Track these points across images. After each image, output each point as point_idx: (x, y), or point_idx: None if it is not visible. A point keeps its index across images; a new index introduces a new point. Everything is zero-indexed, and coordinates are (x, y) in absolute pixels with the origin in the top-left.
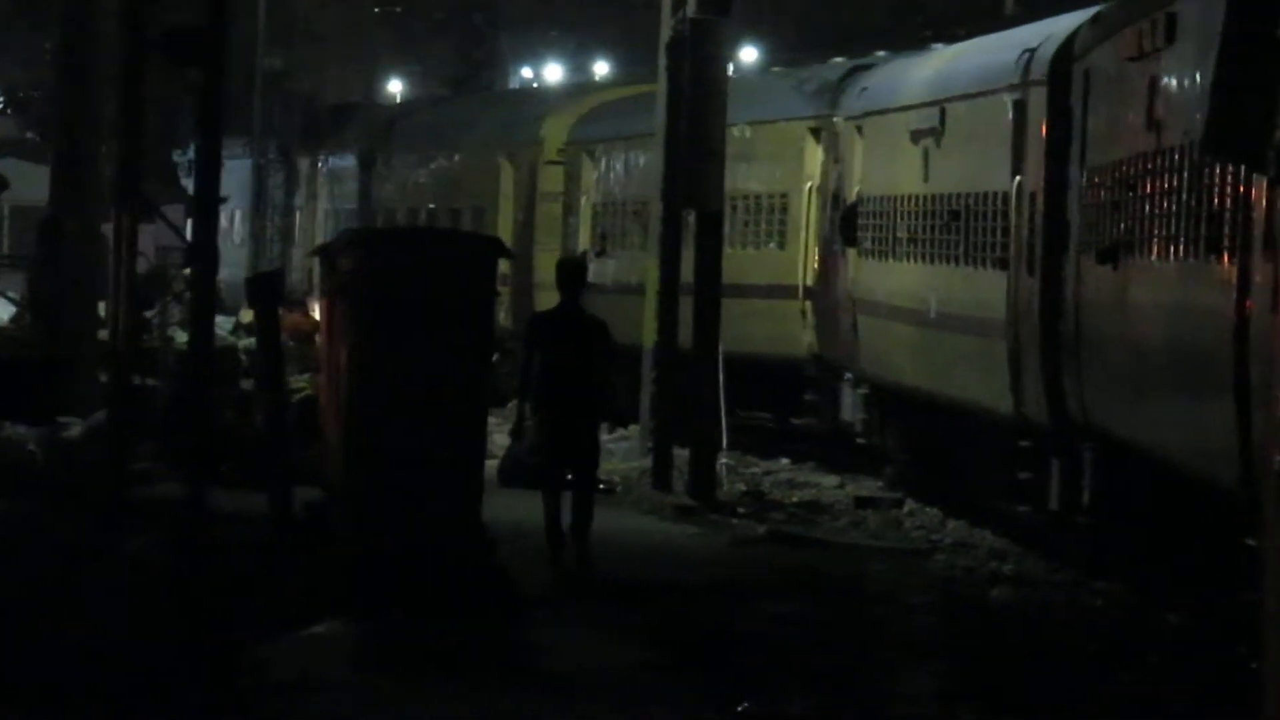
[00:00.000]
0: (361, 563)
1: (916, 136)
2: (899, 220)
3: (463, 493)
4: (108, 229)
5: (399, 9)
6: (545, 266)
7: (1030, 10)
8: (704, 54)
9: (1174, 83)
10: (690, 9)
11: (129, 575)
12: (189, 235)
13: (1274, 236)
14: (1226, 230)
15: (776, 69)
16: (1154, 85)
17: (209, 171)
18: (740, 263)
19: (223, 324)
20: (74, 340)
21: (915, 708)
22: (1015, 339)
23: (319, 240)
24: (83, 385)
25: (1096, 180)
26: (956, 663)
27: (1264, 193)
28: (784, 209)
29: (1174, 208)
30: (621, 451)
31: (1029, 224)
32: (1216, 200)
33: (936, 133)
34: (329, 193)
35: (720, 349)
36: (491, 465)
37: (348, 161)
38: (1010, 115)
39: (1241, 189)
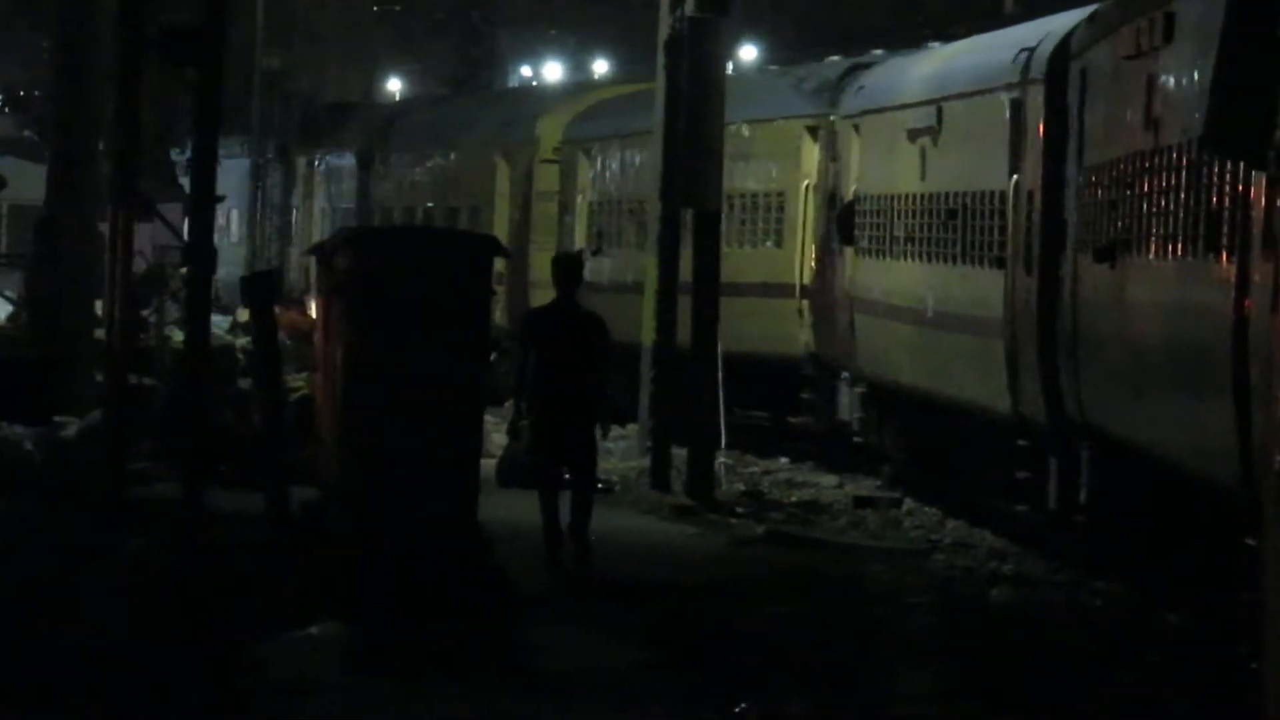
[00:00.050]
0: (358, 563)
1: (914, 135)
2: (896, 219)
3: (460, 492)
4: (105, 228)
5: (398, 8)
6: (541, 265)
7: (1030, 9)
8: (702, 52)
9: (1172, 81)
10: (689, 7)
11: (127, 575)
12: (186, 234)
13: (1273, 235)
14: (1225, 229)
15: (773, 67)
16: (1152, 84)
17: (206, 170)
18: (737, 261)
19: (220, 323)
20: (71, 339)
21: (915, 708)
22: (1013, 338)
23: (316, 239)
24: (80, 384)
25: (1094, 179)
26: (956, 663)
27: (1263, 191)
28: (781, 208)
29: (1172, 206)
30: (620, 451)
31: (1026, 223)
32: (1215, 199)
33: (934, 131)
34: (326, 192)
35: (719, 348)
36: (489, 465)
37: (345, 160)
38: (1007, 114)
39: (1240, 187)
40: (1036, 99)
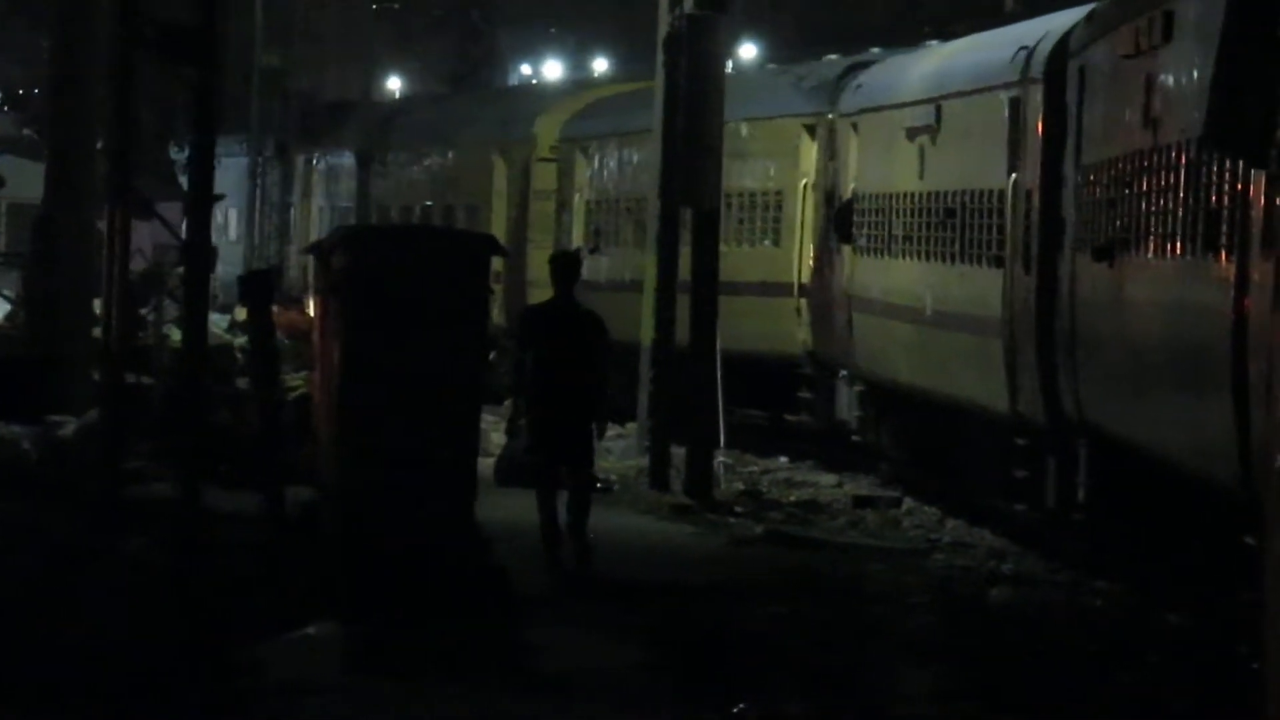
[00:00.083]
0: (355, 562)
1: (912, 134)
2: (895, 218)
3: (458, 492)
4: (103, 226)
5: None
6: (539, 264)
7: (1030, 8)
8: (701, 50)
9: (1171, 80)
10: (687, 5)
11: (125, 575)
12: (185, 233)
13: (1273, 234)
14: (1224, 228)
15: (771, 66)
16: (1151, 83)
17: (203, 169)
18: (735, 260)
19: (219, 321)
20: (69, 338)
21: (914, 708)
22: (1011, 337)
23: (315, 238)
24: (77, 384)
25: (1092, 178)
26: (956, 662)
27: (1262, 190)
28: (779, 206)
29: (1171, 205)
30: (619, 450)
31: (1025, 221)
32: (1214, 198)
33: (932, 130)
34: (325, 190)
35: (718, 347)
36: (488, 464)
37: (344, 159)
38: (1006, 113)
39: (1239, 186)
40: (1035, 98)
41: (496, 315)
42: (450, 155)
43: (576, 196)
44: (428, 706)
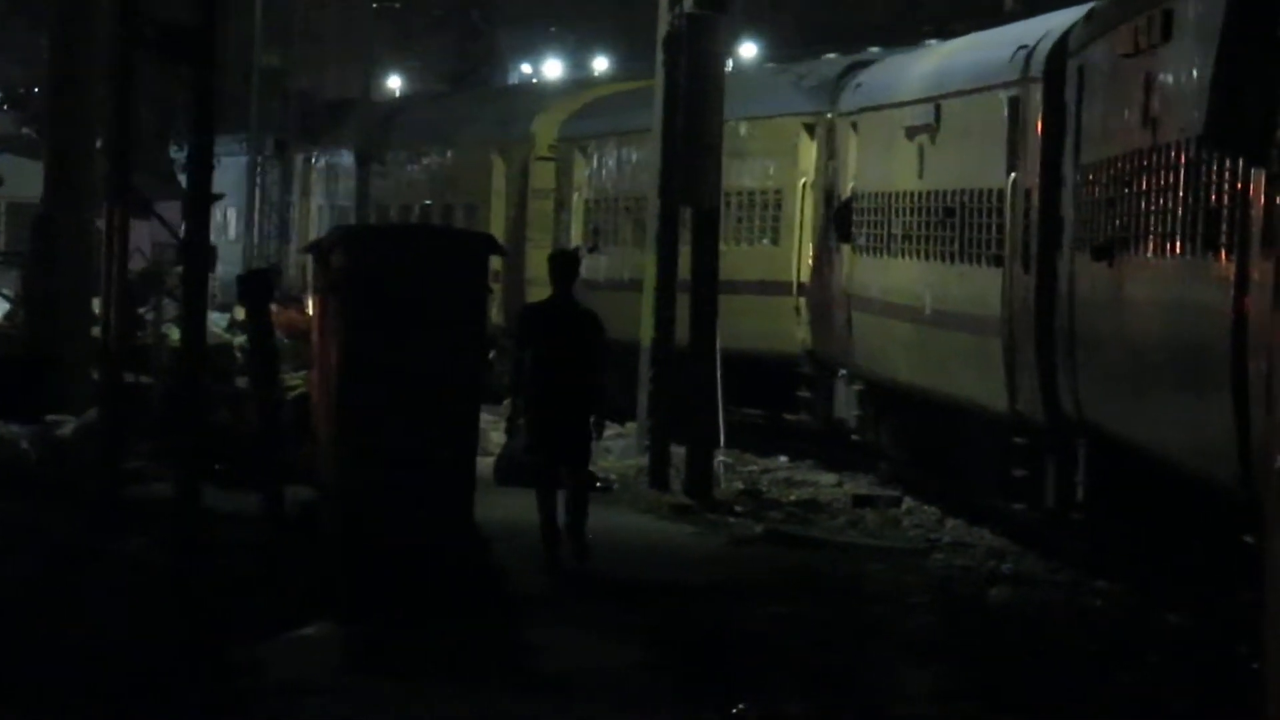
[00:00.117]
0: (354, 562)
1: (912, 133)
2: (894, 217)
3: (456, 491)
4: (102, 226)
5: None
6: (537, 263)
7: (1030, 7)
8: (701, 49)
9: (1170, 79)
10: (687, 4)
11: (124, 575)
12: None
13: (1273, 233)
14: (1224, 227)
15: (770, 65)
16: (1150, 82)
17: (202, 168)
18: (734, 259)
19: (218, 321)
20: (68, 338)
21: (914, 707)
22: (1010, 336)
23: (314, 237)
24: (77, 383)
25: (1092, 177)
26: (956, 662)
27: (1262, 188)
28: (778, 205)
29: (1170, 204)
30: (618, 449)
31: (1024, 221)
32: (1214, 197)
33: (932, 129)
34: (324, 189)
35: (718, 346)
36: (487, 463)
37: (343, 158)
38: (1006, 112)
39: (1239, 185)
40: (1035, 97)
41: (495, 314)
42: (449, 154)
43: (575, 195)
44: (428, 706)
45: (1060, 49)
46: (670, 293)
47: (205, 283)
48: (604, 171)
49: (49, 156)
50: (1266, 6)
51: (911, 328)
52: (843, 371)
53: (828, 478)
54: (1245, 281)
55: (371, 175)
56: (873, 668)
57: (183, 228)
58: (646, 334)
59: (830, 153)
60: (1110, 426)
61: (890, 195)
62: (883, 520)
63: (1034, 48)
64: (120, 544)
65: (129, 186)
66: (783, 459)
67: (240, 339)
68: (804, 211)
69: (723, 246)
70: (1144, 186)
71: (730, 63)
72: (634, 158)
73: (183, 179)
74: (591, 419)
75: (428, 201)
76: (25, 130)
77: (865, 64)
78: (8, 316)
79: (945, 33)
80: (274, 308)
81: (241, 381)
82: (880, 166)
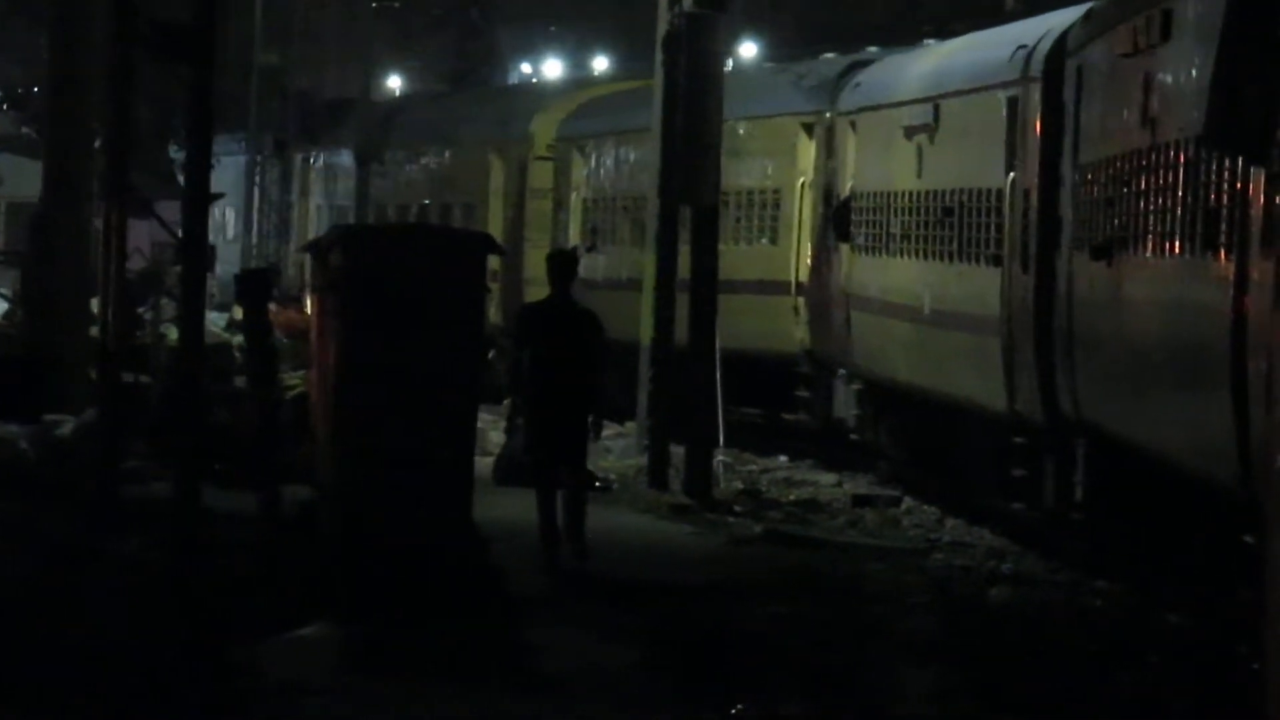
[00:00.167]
0: (352, 562)
1: (911, 132)
2: (893, 216)
3: (454, 491)
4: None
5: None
6: (536, 262)
7: (1030, 6)
8: (700, 48)
9: (1170, 79)
10: (686, 4)
11: (123, 575)
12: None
13: (1272, 232)
14: (1223, 226)
15: (769, 64)
16: (1149, 81)
17: (200, 168)
18: (733, 259)
19: (217, 320)
20: (67, 337)
21: (914, 707)
22: (1009, 335)
23: (313, 236)
24: (76, 383)
25: (1090, 177)
26: (956, 662)
27: (1262, 188)
28: (777, 205)
29: (1169, 204)
30: (618, 449)
31: (1023, 220)
32: (1213, 196)
33: (931, 129)
34: (323, 189)
35: (717, 346)
36: (487, 463)
37: (342, 158)
38: (1005, 112)
39: (1239, 185)
40: (1034, 97)
41: (494, 314)
42: (447, 154)
43: (573, 195)
44: (427, 707)
45: (1059, 49)
46: (670, 292)
47: (203, 282)
48: (602, 171)
49: (48, 156)
50: (1266, 6)
51: (910, 327)
52: (841, 371)
53: (827, 477)
54: (1244, 281)
55: (370, 175)
56: (872, 668)
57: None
58: (646, 333)
59: (829, 152)
60: (1109, 426)
61: (889, 195)
62: (882, 520)
63: (1033, 48)
64: (119, 544)
65: (127, 186)
66: (782, 459)
67: (239, 338)
68: (802, 211)
69: (721, 246)
70: (1143, 186)
71: (730, 62)
72: (632, 157)
73: (182, 178)
74: (590, 419)
75: (426, 201)
76: (25, 130)
77: (865, 64)
78: (6, 316)
79: (945, 32)
80: (273, 307)
81: (240, 381)
82: (879, 166)
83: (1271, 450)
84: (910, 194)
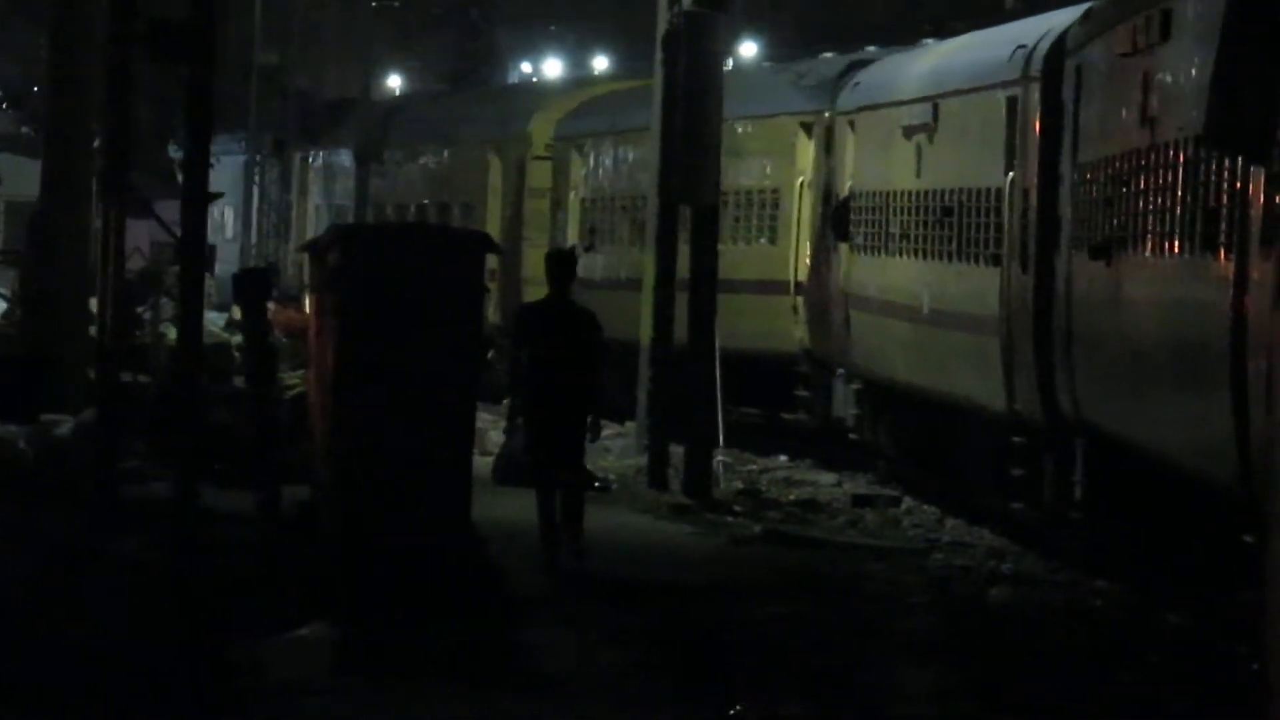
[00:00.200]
0: (351, 562)
1: (910, 132)
2: (892, 216)
3: (453, 491)
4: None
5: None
6: (534, 262)
7: (1030, 6)
8: (700, 48)
9: (1169, 78)
10: (686, 3)
11: (123, 575)
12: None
13: (1272, 231)
14: (1223, 225)
15: (768, 64)
16: (1148, 81)
17: (198, 167)
18: (732, 258)
19: (216, 320)
20: (66, 337)
21: (914, 707)
22: (1008, 335)
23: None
24: (74, 383)
25: (1090, 176)
26: (955, 662)
27: (1261, 187)
28: (776, 204)
29: (1169, 204)
30: (618, 449)
31: (1022, 220)
32: (1213, 196)
33: (930, 128)
34: (323, 188)
35: (717, 345)
36: (486, 463)
37: (341, 157)
38: (1004, 111)
39: (1239, 184)
40: (1033, 96)
41: (492, 313)
42: (446, 154)
43: (571, 194)
44: (427, 706)
45: (1059, 48)
46: (670, 292)
47: (202, 282)
48: (600, 170)
49: (47, 155)
50: (1266, 6)
51: (909, 327)
52: (840, 370)
53: (827, 477)
54: (1244, 281)
55: (369, 174)
56: (872, 668)
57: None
58: (645, 333)
59: (828, 152)
60: (1108, 426)
61: (888, 194)
62: (882, 520)
63: (1033, 47)
64: (118, 544)
65: (125, 186)
66: (782, 458)
67: (238, 338)
68: (801, 210)
69: (720, 246)
70: (1142, 186)
71: (730, 62)
72: (630, 157)
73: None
74: (589, 419)
75: (425, 201)
76: (24, 129)
77: (864, 63)
78: (5, 316)
79: (944, 32)
80: (272, 307)
81: (239, 381)
82: (878, 166)
83: (1271, 450)
84: (909, 193)
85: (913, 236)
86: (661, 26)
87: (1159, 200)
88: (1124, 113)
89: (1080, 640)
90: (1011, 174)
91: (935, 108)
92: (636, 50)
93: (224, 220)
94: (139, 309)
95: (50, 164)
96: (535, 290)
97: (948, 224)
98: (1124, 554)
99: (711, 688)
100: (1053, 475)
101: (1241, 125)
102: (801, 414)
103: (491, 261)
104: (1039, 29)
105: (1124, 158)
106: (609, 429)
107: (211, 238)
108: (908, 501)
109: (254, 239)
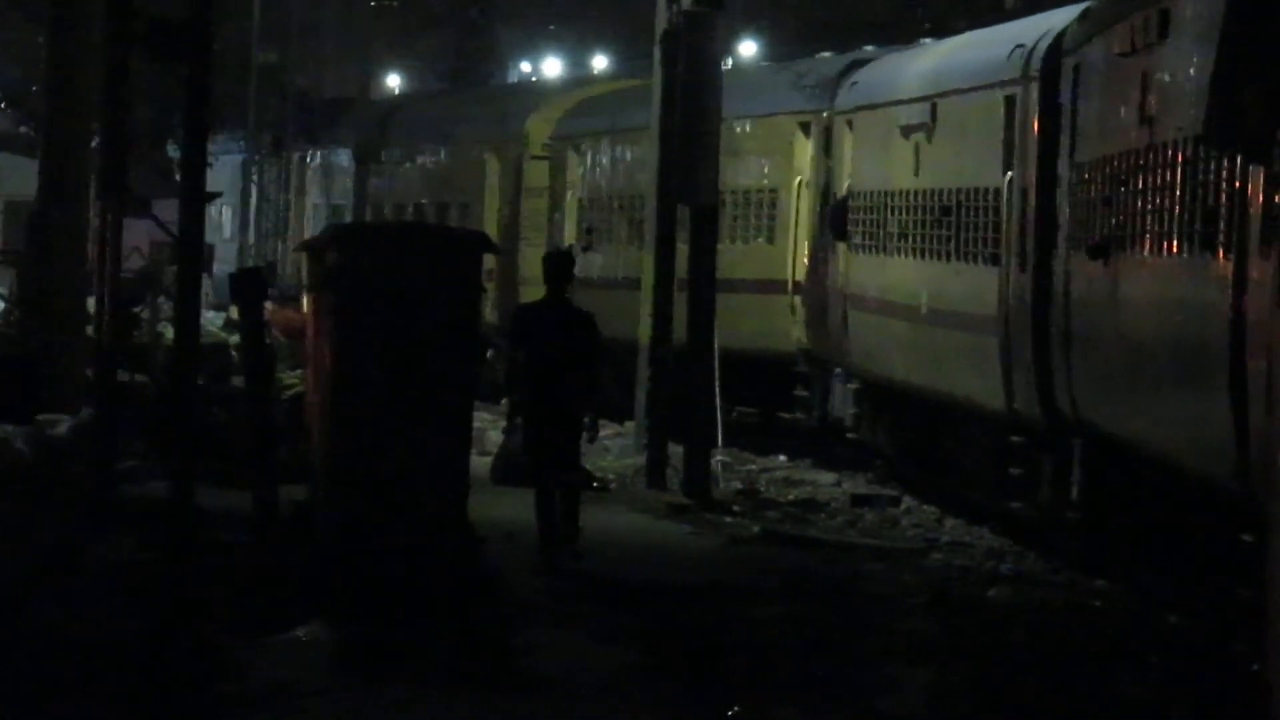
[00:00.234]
0: (348, 562)
1: (908, 131)
2: (890, 215)
3: (450, 491)
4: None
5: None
6: (531, 261)
7: (1031, 5)
8: (698, 47)
9: (1168, 77)
10: (685, 2)
11: (119, 575)
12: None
13: (1272, 231)
14: (1222, 225)
15: (766, 63)
16: (1147, 80)
17: (196, 166)
18: (730, 258)
19: (214, 319)
20: (64, 337)
21: (913, 708)
22: (1006, 334)
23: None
24: (72, 382)
25: (1088, 176)
26: (954, 663)
27: (1261, 187)
28: (774, 204)
29: (1167, 203)
30: (616, 449)
31: (1021, 219)
32: (1212, 196)
33: (928, 128)
34: (321, 187)
35: (716, 345)
36: (485, 463)
37: (340, 156)
38: (1002, 110)
39: (1238, 184)
40: (1032, 96)
41: (490, 313)
42: (444, 153)
43: (569, 194)
44: (424, 707)
45: (1057, 48)
46: (668, 291)
47: (199, 282)
48: (598, 170)
49: (45, 155)
50: (1266, 6)
51: (908, 326)
52: (839, 370)
53: (826, 477)
54: (1244, 280)
55: (368, 174)
56: (871, 668)
57: None
58: (644, 333)
59: (826, 151)
60: (1107, 425)
61: (886, 194)
62: (881, 520)
63: (1031, 47)
64: (115, 543)
65: (122, 185)
66: (781, 458)
67: (235, 338)
68: (799, 210)
69: (718, 245)
70: (1140, 185)
71: (729, 61)
72: (627, 156)
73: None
74: (586, 419)
75: (423, 200)
76: (22, 128)
77: (862, 63)
78: (3, 315)
79: (943, 31)
80: (270, 306)
81: (237, 381)
82: (876, 165)
83: (1271, 450)
84: (907, 193)
85: (911, 236)
86: (660, 26)
87: (1157, 200)
88: (1122, 112)
89: (1080, 640)
90: (1010, 173)
91: (933, 107)
92: (635, 50)
93: (222, 220)
94: (137, 309)
95: (48, 163)
96: (533, 290)
97: (946, 223)
98: (1123, 554)
99: (710, 688)
100: (1051, 475)
101: (1241, 125)
102: (800, 414)
103: (489, 261)
104: (1038, 28)
105: (1122, 157)
106: (608, 429)
107: (209, 237)
108: (907, 501)
109: (252, 238)
